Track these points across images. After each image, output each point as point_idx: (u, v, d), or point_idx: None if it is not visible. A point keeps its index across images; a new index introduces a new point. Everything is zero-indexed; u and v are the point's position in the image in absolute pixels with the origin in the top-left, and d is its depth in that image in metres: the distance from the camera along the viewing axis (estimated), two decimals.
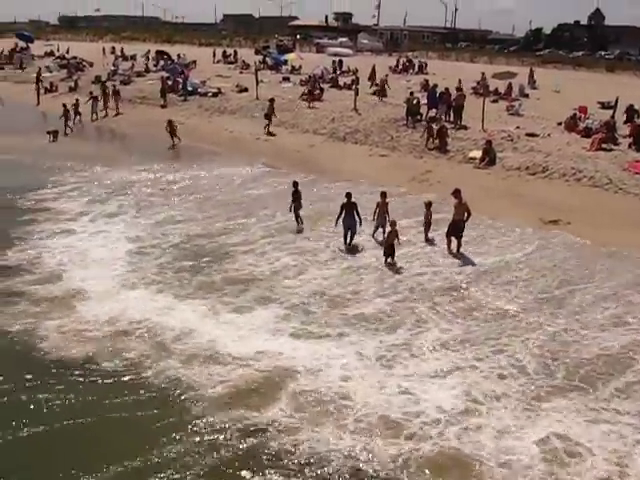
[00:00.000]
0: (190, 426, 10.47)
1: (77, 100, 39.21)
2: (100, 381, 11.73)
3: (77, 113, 38.12)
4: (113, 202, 22.44)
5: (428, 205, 19.03)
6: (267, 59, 62.20)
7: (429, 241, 18.90)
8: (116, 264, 17.05)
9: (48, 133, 33.77)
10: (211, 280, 16.10)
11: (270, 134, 33.37)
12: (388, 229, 17.76)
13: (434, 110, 33.20)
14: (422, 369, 12.17)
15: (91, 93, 40.55)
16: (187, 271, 16.62)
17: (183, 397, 11.23)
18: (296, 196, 20.15)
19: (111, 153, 30.60)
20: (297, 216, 20.23)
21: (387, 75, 46.79)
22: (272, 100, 35.02)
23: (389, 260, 17.26)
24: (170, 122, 32.58)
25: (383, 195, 18.84)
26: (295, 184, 20.34)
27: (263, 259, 17.49)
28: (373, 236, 18.98)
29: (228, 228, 19.84)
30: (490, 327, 13.85)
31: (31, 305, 14.55)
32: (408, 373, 12.04)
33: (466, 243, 18.31)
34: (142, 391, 11.40)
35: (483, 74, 36.84)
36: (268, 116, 33.92)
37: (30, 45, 75.84)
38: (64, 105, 36.12)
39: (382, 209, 18.71)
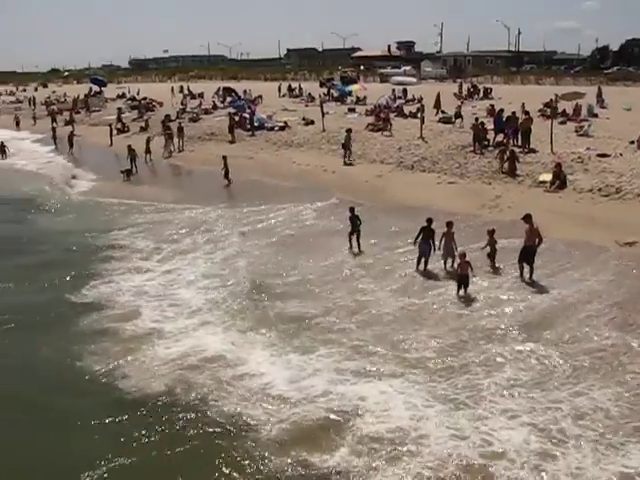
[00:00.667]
0: (252, 463, 10.58)
1: (149, 138, 40.59)
2: (174, 416, 12.05)
3: (148, 151, 39.36)
4: (183, 240, 22.86)
5: (491, 233, 18.72)
6: (332, 91, 62.86)
7: (497, 270, 18.52)
8: (187, 301, 17.42)
9: (122, 172, 35.09)
10: (275, 319, 16.09)
11: (349, 164, 33.40)
12: (458, 260, 17.43)
13: (501, 135, 32.94)
14: (495, 410, 11.74)
15: (165, 130, 42.11)
16: (251, 309, 16.72)
17: (245, 435, 11.35)
18: (353, 222, 20.53)
19: (180, 191, 31.32)
20: (352, 241, 20.70)
21: (462, 101, 46.89)
22: (349, 131, 34.96)
23: (461, 292, 16.85)
24: (224, 159, 32.53)
25: (449, 225, 18.55)
26: (352, 210, 20.76)
27: (326, 297, 17.30)
28: (445, 268, 18.69)
29: (292, 265, 19.78)
30: (569, 366, 13.14)
31: (112, 343, 15.03)
32: (480, 415, 11.63)
33: (540, 269, 17.84)
34: (209, 426, 11.66)
35: (556, 96, 36.30)
36: (345, 146, 33.90)
37: (103, 89, 78.69)
38: (129, 146, 37.42)
39: (448, 239, 18.40)
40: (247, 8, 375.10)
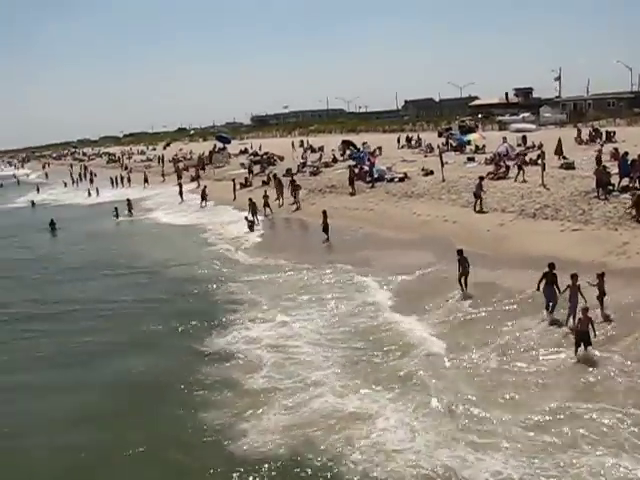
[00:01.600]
0: None
1: (266, 192, 42.51)
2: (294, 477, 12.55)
3: (267, 205, 41.16)
4: (299, 296, 23.89)
5: (601, 276, 18.32)
6: (450, 141, 63.01)
7: (609, 318, 17.82)
8: (305, 356, 18.18)
9: (245, 219, 38.34)
10: (386, 377, 16.43)
11: (481, 212, 33.16)
12: (579, 315, 16.67)
13: (627, 179, 32.25)
14: None
15: (293, 182, 44.37)
16: (364, 367, 17.19)
17: None
18: (461, 263, 21.32)
19: (297, 247, 32.96)
20: (462, 283, 21.46)
21: (602, 145, 46.24)
22: (482, 178, 34.99)
23: (581, 351, 16.04)
24: (324, 213, 33.65)
25: (574, 277, 18.02)
26: (460, 252, 21.55)
27: (438, 354, 17.51)
28: (568, 322, 17.98)
29: (401, 320, 20.28)
30: None
31: (233, 396, 15.88)
32: None
33: None
34: None
35: None
36: (477, 195, 33.83)
37: (227, 145, 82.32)
38: (250, 199, 39.78)
39: (573, 292, 17.88)
40: (364, 62, 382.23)
